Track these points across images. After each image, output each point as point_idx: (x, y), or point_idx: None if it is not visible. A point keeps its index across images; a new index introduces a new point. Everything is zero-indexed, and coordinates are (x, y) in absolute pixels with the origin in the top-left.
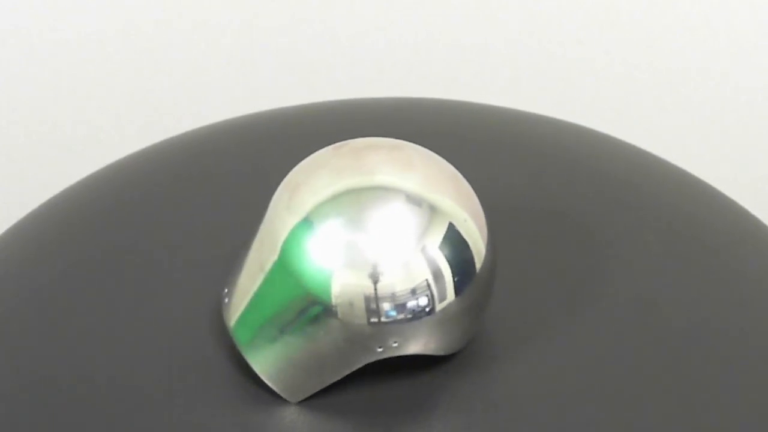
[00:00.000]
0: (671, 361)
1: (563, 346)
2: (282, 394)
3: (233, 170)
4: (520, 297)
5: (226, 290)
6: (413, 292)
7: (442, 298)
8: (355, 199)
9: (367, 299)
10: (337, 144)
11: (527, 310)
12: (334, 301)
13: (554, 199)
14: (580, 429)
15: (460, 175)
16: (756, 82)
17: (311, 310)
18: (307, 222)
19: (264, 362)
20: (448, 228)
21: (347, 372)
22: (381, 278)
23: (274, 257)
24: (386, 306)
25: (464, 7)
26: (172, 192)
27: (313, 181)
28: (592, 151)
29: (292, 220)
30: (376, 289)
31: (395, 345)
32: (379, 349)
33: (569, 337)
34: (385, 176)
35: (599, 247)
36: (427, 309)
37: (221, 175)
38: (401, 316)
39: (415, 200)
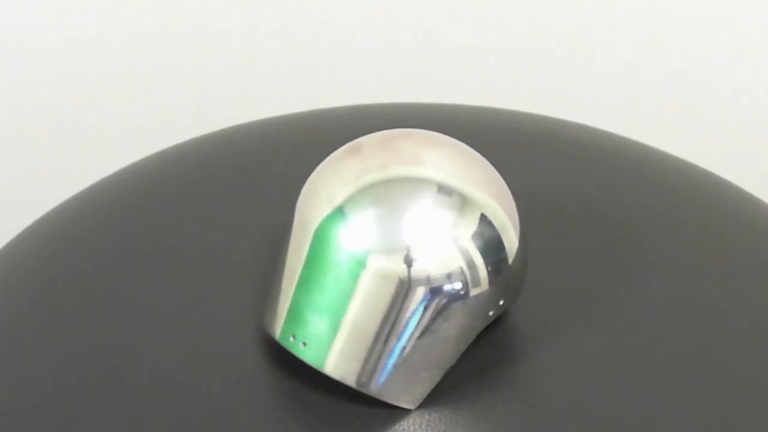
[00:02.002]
0: (694, 359)
1: (588, 339)
2: (403, 405)
3: (240, 178)
4: (549, 288)
5: (293, 337)
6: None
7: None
8: (384, 189)
9: (476, 266)
10: (353, 143)
11: (556, 302)
12: (455, 281)
13: (587, 196)
14: (605, 424)
15: (483, 158)
16: (756, 82)
17: (435, 302)
18: (341, 213)
19: (378, 381)
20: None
21: (463, 350)
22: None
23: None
24: (498, 265)
25: (464, 8)
26: (189, 194)
27: (339, 177)
28: (621, 152)
29: (326, 210)
30: (494, 254)
31: (501, 304)
32: (491, 313)
33: (596, 330)
34: (417, 166)
35: (631, 245)
36: (504, 263)
37: (228, 183)
38: (507, 275)
39: (445, 189)
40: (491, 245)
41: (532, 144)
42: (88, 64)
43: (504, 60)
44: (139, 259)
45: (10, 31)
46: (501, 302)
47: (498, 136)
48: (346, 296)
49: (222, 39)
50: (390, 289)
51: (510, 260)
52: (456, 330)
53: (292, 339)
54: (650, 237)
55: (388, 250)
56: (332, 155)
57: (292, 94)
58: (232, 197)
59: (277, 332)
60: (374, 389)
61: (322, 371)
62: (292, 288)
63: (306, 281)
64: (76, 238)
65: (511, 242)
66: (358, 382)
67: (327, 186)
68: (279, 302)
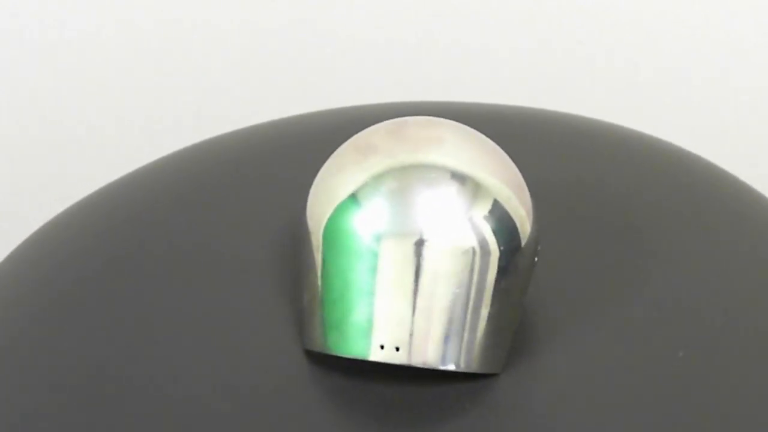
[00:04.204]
0: (698, 363)
1: (596, 336)
2: (493, 371)
3: (246, 185)
4: (560, 282)
5: (381, 347)
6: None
7: None
8: (399, 177)
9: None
10: (356, 138)
11: (566, 297)
12: (521, 243)
13: (602, 193)
14: (608, 425)
15: (498, 147)
16: (757, 82)
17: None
18: (354, 200)
19: (472, 356)
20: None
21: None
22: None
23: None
24: (531, 222)
25: (464, 8)
26: (200, 198)
27: (349, 169)
28: (637, 149)
29: (337, 202)
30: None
31: (540, 249)
32: (536, 259)
33: (603, 327)
34: (428, 154)
35: (643, 244)
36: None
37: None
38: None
39: (459, 176)
40: (505, 225)
41: (531, 138)
42: (87, 64)
43: (504, 60)
44: (148, 264)
45: (10, 31)
46: (539, 247)
47: (501, 132)
48: (411, 283)
49: (222, 39)
50: (457, 265)
51: (523, 242)
52: (522, 285)
53: (381, 349)
54: (666, 233)
55: (400, 233)
56: (337, 152)
57: (292, 94)
58: (236, 202)
59: (362, 348)
60: (474, 365)
61: (426, 367)
62: (343, 299)
63: (348, 287)
64: (81, 244)
65: (524, 223)
66: (457, 364)
67: (339, 183)
68: (348, 318)
